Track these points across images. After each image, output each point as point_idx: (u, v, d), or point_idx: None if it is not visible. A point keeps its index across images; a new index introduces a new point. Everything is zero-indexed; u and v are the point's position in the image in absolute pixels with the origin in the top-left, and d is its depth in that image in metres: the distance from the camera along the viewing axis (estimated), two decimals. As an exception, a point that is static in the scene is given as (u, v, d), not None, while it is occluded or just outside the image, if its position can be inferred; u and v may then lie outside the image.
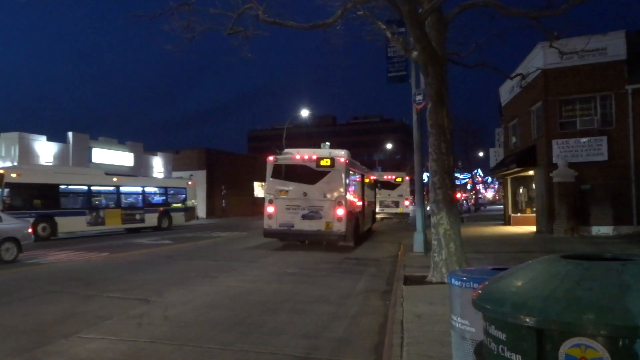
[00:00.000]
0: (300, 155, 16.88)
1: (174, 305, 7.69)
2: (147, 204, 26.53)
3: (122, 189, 25.25)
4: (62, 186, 22.20)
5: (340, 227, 15.95)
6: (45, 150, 29.04)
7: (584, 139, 19.06)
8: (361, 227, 19.53)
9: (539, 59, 19.72)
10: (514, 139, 26.34)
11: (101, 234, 24.09)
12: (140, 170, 34.59)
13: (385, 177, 32.05)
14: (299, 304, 7.71)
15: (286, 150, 18.10)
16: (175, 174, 39.97)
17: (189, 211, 29.81)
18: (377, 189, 28.06)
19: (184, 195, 29.47)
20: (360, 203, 19.56)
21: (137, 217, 25.61)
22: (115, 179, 24.91)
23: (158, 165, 38.96)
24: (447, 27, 9.92)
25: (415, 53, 9.82)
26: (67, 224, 21.76)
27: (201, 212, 42.11)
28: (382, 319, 6.77)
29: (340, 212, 16.06)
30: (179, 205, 29.00)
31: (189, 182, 30.62)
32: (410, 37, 10.35)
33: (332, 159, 16.49)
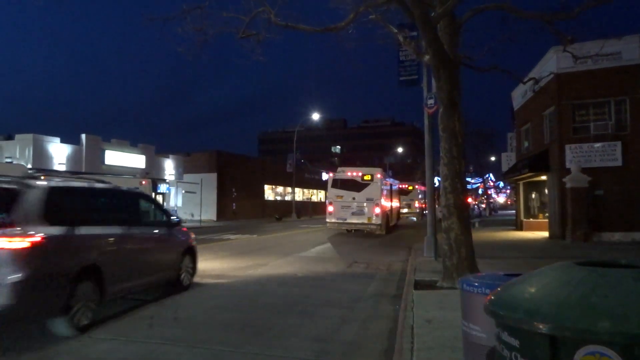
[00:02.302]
0: (350, 172, 25.25)
1: (184, 306, 7.73)
2: None
3: None
4: None
5: (377, 221, 23.95)
6: (59, 152, 29.37)
7: (597, 144, 18.85)
8: (390, 221, 27.99)
9: (552, 63, 19.56)
10: (526, 144, 26.15)
11: None
12: (152, 173, 34.83)
13: (399, 186, 39.02)
14: (309, 307, 7.71)
15: (340, 168, 26.58)
16: (186, 176, 40.21)
17: None
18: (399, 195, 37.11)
19: None
20: (389, 205, 27.94)
21: None
22: (42, 177, 21.25)
23: (169, 167, 39.24)
24: (460, 31, 9.88)
25: (427, 57, 9.80)
26: None
27: (211, 214, 42.34)
28: (393, 323, 6.73)
29: (377, 210, 24.01)
30: None
31: (142, 182, 26.04)
32: (422, 40, 10.33)
33: (372, 175, 24.66)
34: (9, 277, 5.27)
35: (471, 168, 60.96)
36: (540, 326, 1.68)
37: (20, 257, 5.42)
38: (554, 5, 10.01)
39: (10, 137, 29.24)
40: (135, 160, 34.70)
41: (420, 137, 19.30)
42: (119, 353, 5.40)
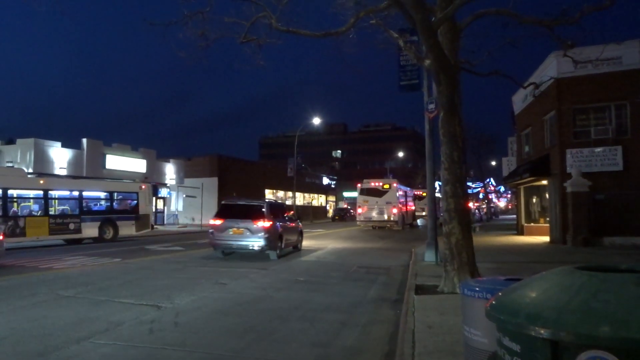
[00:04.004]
0: (374, 182, 35.05)
1: (185, 311, 7.72)
2: (85, 211, 22.54)
3: (52, 193, 21.52)
4: None
5: (395, 219, 33.71)
6: (60, 156, 29.41)
7: (598, 149, 18.85)
8: (406, 220, 37.06)
9: (552, 67, 19.59)
10: (527, 148, 26.16)
11: (21, 247, 19.02)
12: (153, 177, 34.84)
13: (414, 193, 45.48)
14: (309, 312, 7.70)
15: (365, 180, 35.90)
16: (187, 181, 40.22)
17: (141, 220, 25.40)
18: (415, 200, 44.47)
19: (135, 201, 25.25)
20: (404, 207, 37.05)
21: (72, 226, 21.52)
22: (42, 182, 21.35)
23: (170, 172, 39.26)
24: (460, 36, 9.91)
25: (427, 61, 9.82)
26: None
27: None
28: (393, 328, 6.72)
29: (395, 211, 33.76)
30: (128, 212, 24.82)
31: (142, 186, 26.31)
32: (422, 45, 10.35)
33: (390, 184, 34.56)
34: (264, 236, 14.89)
35: (472, 172, 60.97)
36: (542, 331, 1.68)
37: (267, 228, 14.99)
38: (554, 10, 10.00)
39: (11, 142, 29.32)
40: (136, 164, 34.73)
41: (421, 142, 19.49)
42: (120, 357, 5.40)
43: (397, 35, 11.22)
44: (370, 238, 16.34)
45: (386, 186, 34.21)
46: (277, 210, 17.00)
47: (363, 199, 34.43)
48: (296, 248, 18.43)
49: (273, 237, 15.29)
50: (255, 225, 15.02)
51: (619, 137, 18.75)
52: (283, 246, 16.24)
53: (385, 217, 33.53)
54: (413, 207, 42.77)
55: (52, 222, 20.84)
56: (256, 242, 14.98)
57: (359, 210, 34.81)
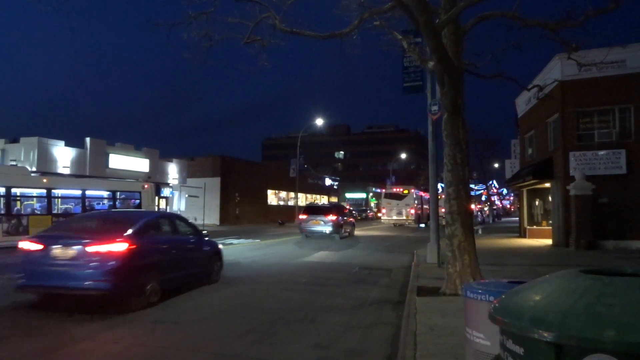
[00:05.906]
0: (395, 188, 45.62)
1: (187, 311, 7.73)
2: (88, 209, 22.51)
3: (55, 191, 21.54)
4: None
5: (411, 218, 42.20)
6: (63, 155, 29.49)
7: (602, 152, 18.79)
8: (422, 219, 41.99)
9: (556, 70, 19.55)
10: (530, 151, 26.10)
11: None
12: (155, 176, 34.89)
13: (427, 196, 52.13)
14: (311, 313, 7.69)
15: (388, 186, 49.40)
16: (190, 180, 40.27)
17: None
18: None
19: (137, 201, 25.33)
20: (421, 208, 43.78)
21: None
22: (45, 180, 21.34)
23: (173, 171, 39.31)
24: (464, 38, 9.88)
25: (431, 63, 9.80)
26: None
27: (214, 219, 42.36)
28: (395, 330, 6.71)
29: (412, 212, 42.99)
30: None
31: (145, 186, 26.37)
32: (426, 47, 10.34)
33: (409, 190, 43.82)
34: (332, 225, 24.28)
35: (475, 174, 60.86)
36: (545, 334, 1.67)
37: (333, 221, 24.37)
38: (558, 13, 9.99)
39: (15, 140, 29.39)
40: (139, 164, 34.80)
41: (424, 144, 19.80)
42: (122, 357, 5.40)
43: (401, 37, 11.20)
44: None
45: (405, 191, 43.12)
46: (339, 209, 27.14)
47: (387, 202, 43.89)
48: (351, 234, 27.13)
49: (337, 226, 24.21)
50: (326, 218, 24.02)
51: (623, 141, 18.69)
52: (343, 232, 25.15)
53: (404, 216, 42.27)
54: (428, 208, 50.64)
55: (55, 221, 20.60)
56: (327, 229, 23.83)
57: (383, 211, 44.95)
